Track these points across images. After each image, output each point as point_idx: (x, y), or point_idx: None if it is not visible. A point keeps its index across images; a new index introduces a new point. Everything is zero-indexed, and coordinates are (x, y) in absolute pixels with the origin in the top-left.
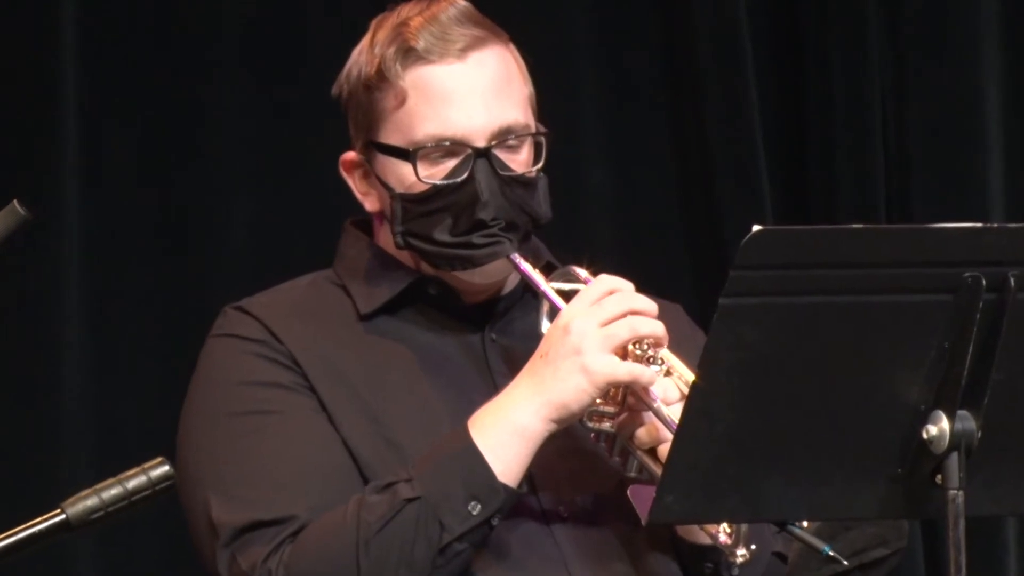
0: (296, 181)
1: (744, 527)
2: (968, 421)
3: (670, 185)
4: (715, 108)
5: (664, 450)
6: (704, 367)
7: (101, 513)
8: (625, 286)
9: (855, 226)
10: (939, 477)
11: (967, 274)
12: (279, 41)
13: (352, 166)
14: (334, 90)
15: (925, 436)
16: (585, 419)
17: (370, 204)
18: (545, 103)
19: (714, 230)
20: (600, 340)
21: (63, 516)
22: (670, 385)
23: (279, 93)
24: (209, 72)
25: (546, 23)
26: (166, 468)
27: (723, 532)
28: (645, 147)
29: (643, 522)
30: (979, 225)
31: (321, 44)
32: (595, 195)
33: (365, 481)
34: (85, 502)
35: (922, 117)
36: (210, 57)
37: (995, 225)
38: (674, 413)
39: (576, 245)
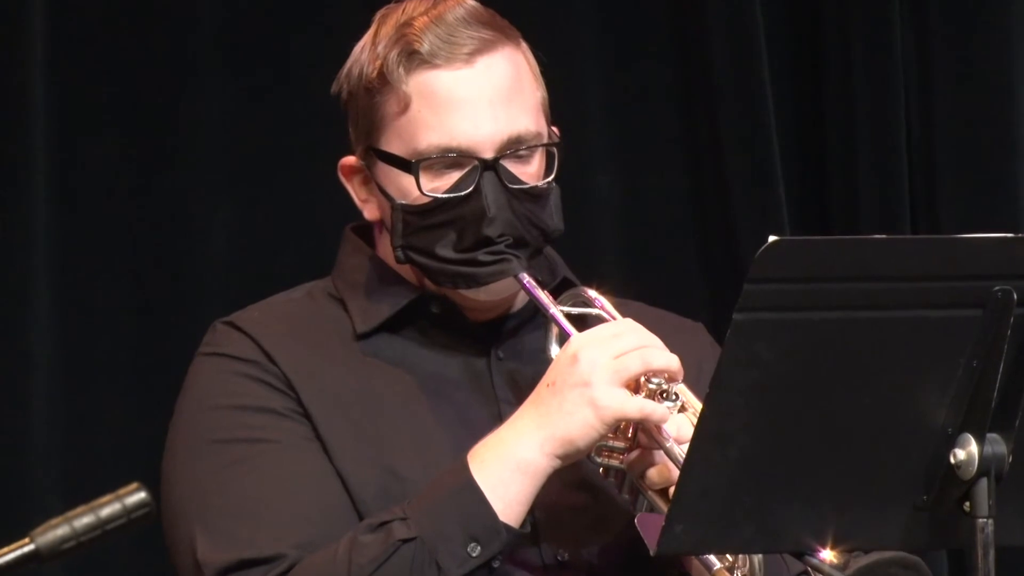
0: (278, 190)
1: (759, 567)
2: (998, 445)
3: (682, 193)
4: (729, 110)
5: None
6: (717, 387)
7: (73, 543)
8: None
9: (878, 236)
10: (967, 504)
11: (997, 288)
12: (259, 43)
13: (351, 171)
14: (334, 88)
15: (952, 461)
16: (594, 454)
17: (370, 212)
18: (552, 107)
19: (728, 241)
20: (611, 373)
21: (32, 546)
22: (684, 422)
23: (260, 98)
24: (185, 75)
25: (554, 24)
26: (142, 495)
27: (739, 572)
28: (656, 153)
29: (652, 552)
30: (1010, 236)
31: (303, 46)
32: (603, 203)
33: (360, 515)
34: (55, 531)
35: (949, 120)
36: (186, 60)
37: None
38: None
39: (582, 256)
